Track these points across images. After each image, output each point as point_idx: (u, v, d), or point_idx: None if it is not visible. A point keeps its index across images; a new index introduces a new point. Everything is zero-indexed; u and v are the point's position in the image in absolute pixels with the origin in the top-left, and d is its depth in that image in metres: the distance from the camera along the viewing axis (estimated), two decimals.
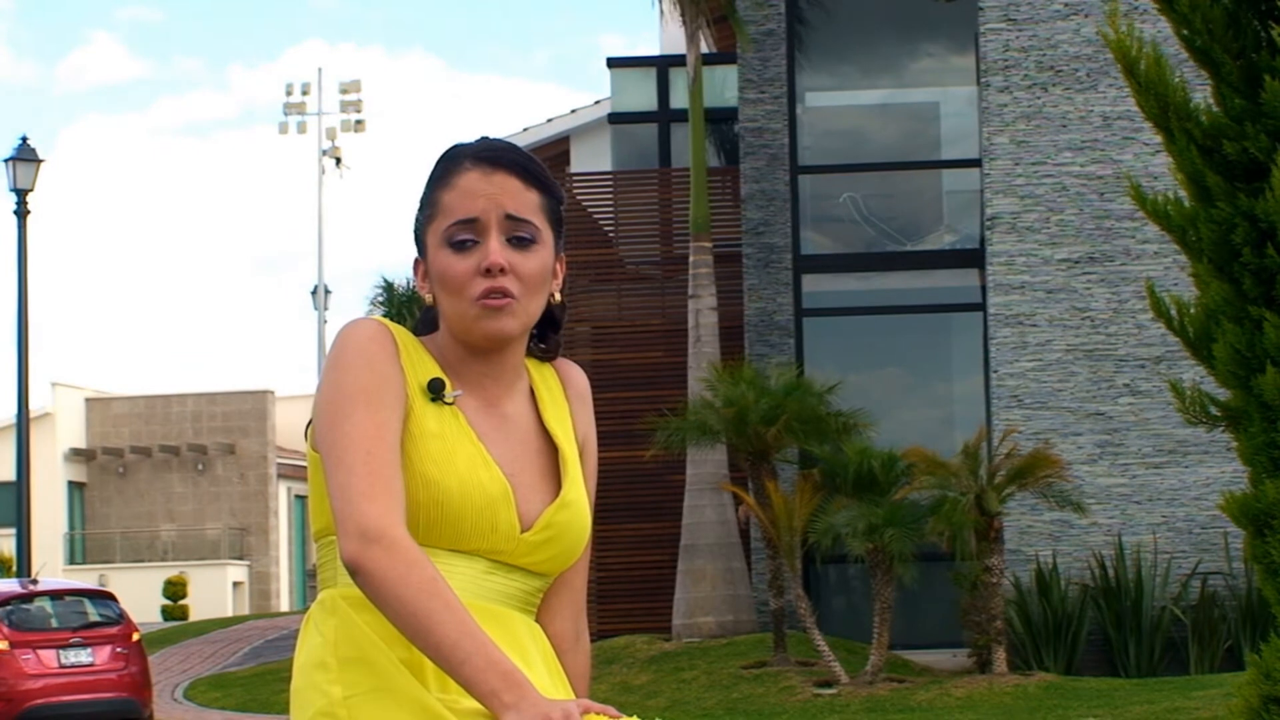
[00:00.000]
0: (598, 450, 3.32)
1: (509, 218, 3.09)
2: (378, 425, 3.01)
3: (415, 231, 3.18)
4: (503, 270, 3.07)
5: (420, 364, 3.12)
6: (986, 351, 22.45)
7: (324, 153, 47.43)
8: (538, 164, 3.15)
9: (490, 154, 3.12)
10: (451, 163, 3.13)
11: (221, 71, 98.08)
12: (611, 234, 25.70)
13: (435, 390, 3.10)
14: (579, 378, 3.31)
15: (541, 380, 3.26)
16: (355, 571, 2.94)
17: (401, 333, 3.13)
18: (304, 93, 47.85)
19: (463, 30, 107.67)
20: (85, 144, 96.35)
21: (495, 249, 3.07)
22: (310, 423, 3.11)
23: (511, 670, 2.87)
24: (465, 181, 3.10)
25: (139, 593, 41.68)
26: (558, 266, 3.17)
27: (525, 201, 3.10)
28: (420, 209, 3.16)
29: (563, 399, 3.26)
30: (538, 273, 3.10)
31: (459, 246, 3.08)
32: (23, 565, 26.77)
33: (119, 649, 19.78)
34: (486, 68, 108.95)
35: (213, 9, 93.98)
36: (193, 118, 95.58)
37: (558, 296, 3.18)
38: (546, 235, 3.12)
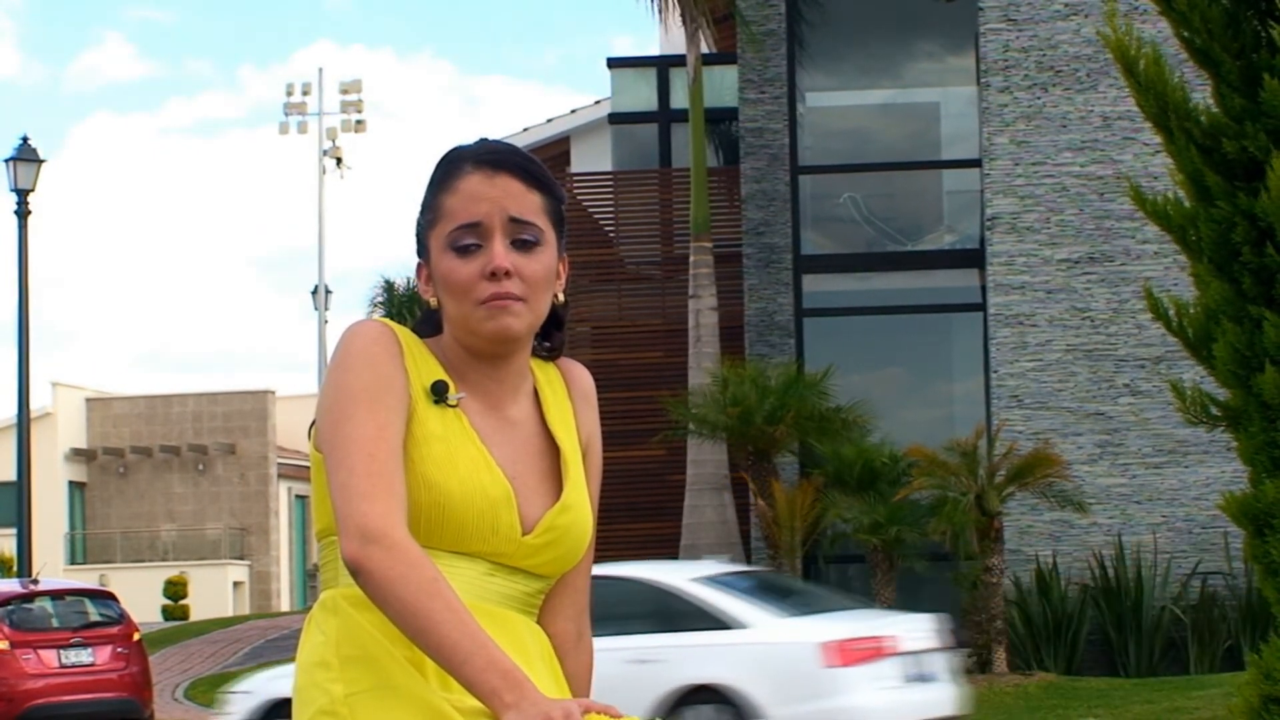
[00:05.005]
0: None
1: (512, 220, 3.09)
2: (379, 426, 3.01)
3: (417, 235, 3.18)
4: (507, 273, 3.07)
5: (424, 366, 3.12)
6: (986, 351, 22.45)
7: (324, 153, 47.43)
8: (539, 165, 3.15)
9: (492, 157, 3.11)
10: (452, 166, 3.13)
11: (231, 72, 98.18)
12: (612, 234, 25.70)
13: (438, 392, 3.10)
14: (583, 377, 3.31)
15: (546, 380, 3.26)
16: (356, 572, 2.95)
17: (405, 334, 3.14)
18: (304, 93, 47.85)
19: (472, 32, 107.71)
20: (93, 143, 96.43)
21: (499, 252, 3.07)
22: (313, 423, 3.11)
23: (512, 669, 2.87)
24: (467, 185, 3.10)
25: (139, 593, 41.67)
26: (560, 267, 3.18)
27: (528, 204, 3.10)
28: (422, 213, 3.16)
29: (566, 399, 3.26)
30: (542, 274, 3.11)
31: (463, 250, 3.08)
32: (23, 565, 26.77)
33: (119, 649, 19.79)
34: (496, 69, 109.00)
35: (223, 10, 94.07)
36: (201, 118, 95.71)
37: (561, 297, 3.19)
38: (550, 236, 3.13)
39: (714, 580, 14.07)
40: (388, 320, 3.13)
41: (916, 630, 13.69)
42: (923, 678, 13.34)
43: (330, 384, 3.06)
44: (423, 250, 3.17)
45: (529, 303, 3.10)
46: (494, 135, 3.24)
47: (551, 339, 3.26)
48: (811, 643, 12.93)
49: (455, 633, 2.88)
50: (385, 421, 3.02)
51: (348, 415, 3.02)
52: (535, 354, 3.25)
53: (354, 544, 2.94)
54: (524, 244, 3.09)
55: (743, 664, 13.14)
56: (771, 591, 14.39)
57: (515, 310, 3.08)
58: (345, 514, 2.97)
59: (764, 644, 13.17)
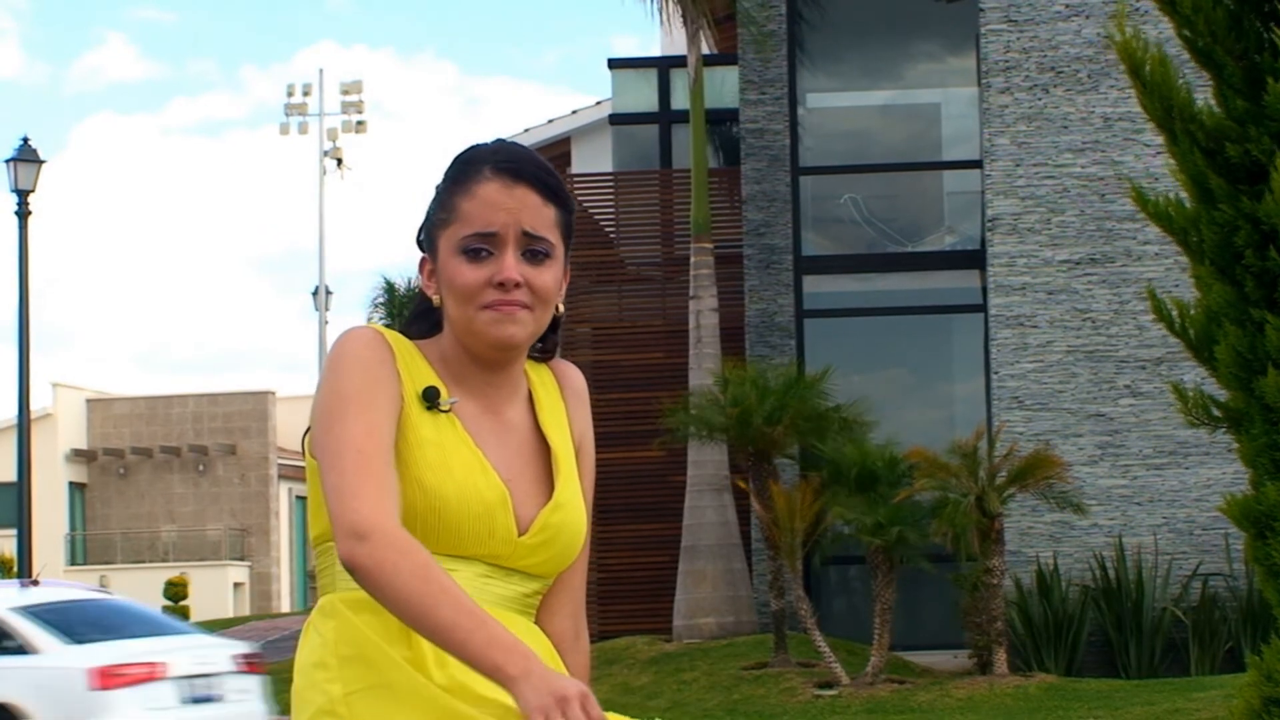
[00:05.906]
0: (598, 450, 3.33)
1: (526, 234, 3.09)
2: (369, 426, 3.02)
3: (426, 229, 3.17)
4: (517, 285, 3.08)
5: (416, 371, 3.13)
6: (987, 353, 22.44)
7: (325, 153, 47.45)
8: (555, 177, 3.14)
9: (511, 165, 3.10)
10: (470, 167, 3.12)
11: (234, 73, 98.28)
12: (612, 235, 25.69)
13: (430, 399, 3.11)
14: (575, 377, 3.32)
15: (540, 382, 3.27)
16: (352, 570, 2.95)
17: (398, 340, 3.14)
18: (305, 93, 47.85)
19: (474, 33, 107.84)
20: (95, 143, 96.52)
21: (511, 264, 3.08)
22: (308, 430, 3.11)
23: (515, 643, 2.86)
24: (485, 192, 3.09)
25: (140, 593, 41.58)
26: (564, 278, 3.18)
27: (543, 218, 3.11)
28: (435, 210, 3.15)
29: (559, 399, 3.27)
30: (550, 286, 3.12)
31: (473, 255, 3.09)
32: (23, 566, 26.76)
33: None
34: (497, 70, 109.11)
35: (225, 10, 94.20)
36: (203, 118, 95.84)
37: (561, 308, 3.19)
38: (559, 250, 3.14)
39: (30, 609, 15.24)
40: (379, 326, 3.14)
41: (207, 655, 15.22)
42: (207, 699, 14.86)
43: (322, 389, 3.07)
44: (430, 245, 3.16)
45: (534, 312, 3.11)
46: (495, 136, 3.23)
47: (545, 341, 3.27)
48: (81, 668, 14.47)
49: (452, 613, 2.87)
50: (376, 422, 3.03)
51: (339, 417, 3.03)
52: (529, 355, 3.26)
53: (347, 543, 2.95)
54: (534, 255, 3.11)
55: (30, 686, 14.62)
56: (85, 618, 15.48)
57: (520, 318, 3.09)
58: (338, 515, 2.97)
59: (48, 668, 14.66)
